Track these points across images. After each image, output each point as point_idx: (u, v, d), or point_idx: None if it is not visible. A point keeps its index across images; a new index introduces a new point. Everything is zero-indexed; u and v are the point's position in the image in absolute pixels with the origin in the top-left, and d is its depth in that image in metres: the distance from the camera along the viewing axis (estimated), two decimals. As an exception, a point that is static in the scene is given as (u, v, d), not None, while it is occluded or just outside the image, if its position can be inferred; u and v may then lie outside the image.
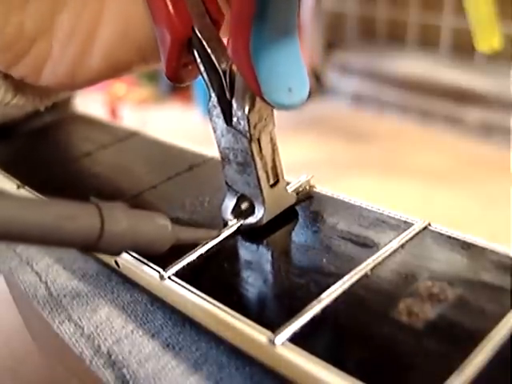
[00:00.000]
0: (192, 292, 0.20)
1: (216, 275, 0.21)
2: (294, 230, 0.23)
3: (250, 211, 0.23)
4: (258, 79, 0.19)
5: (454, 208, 0.68)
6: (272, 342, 0.17)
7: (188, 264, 0.22)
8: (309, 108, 1.09)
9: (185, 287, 0.20)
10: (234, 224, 0.23)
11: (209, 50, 0.22)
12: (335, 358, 0.16)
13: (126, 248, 0.19)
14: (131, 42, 0.23)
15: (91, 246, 0.18)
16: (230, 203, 0.24)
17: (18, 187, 0.30)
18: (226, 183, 0.24)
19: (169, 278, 0.21)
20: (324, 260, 0.21)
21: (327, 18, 1.14)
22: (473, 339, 0.16)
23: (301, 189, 0.26)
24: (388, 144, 0.90)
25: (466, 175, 0.77)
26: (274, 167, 0.23)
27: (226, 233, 0.23)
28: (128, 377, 0.20)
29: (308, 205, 0.25)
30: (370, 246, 0.21)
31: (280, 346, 0.17)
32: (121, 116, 0.94)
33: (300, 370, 0.16)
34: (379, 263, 0.20)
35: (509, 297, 0.18)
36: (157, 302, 0.22)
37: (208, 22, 0.22)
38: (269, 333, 0.17)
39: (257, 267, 0.22)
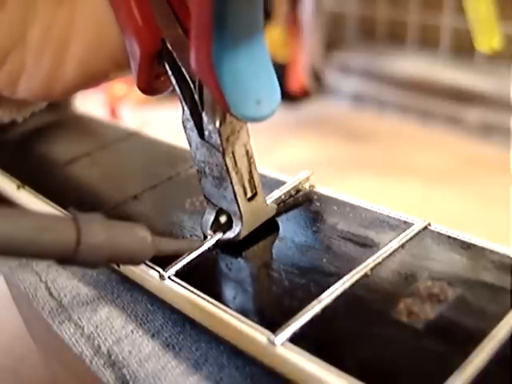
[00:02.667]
0: (192, 292, 0.20)
1: (216, 275, 0.21)
2: (293, 230, 0.23)
3: (229, 225, 0.23)
4: (224, 92, 0.18)
5: (454, 208, 0.68)
6: (272, 342, 0.17)
7: (188, 264, 0.22)
8: (309, 108, 1.09)
9: (185, 287, 0.20)
10: (211, 238, 0.22)
11: (179, 62, 0.21)
12: (335, 358, 0.16)
13: (105, 260, 0.18)
14: (104, 50, 0.23)
15: (68, 259, 0.18)
16: (209, 217, 0.23)
17: (18, 187, 0.30)
18: (205, 197, 0.23)
19: (169, 277, 0.21)
20: (324, 260, 0.21)
21: (327, 17, 1.14)
22: (473, 339, 0.16)
23: (300, 186, 0.26)
24: (388, 144, 0.90)
25: (466, 175, 0.77)
26: (251, 180, 0.22)
27: (202, 248, 0.22)
28: (128, 377, 0.20)
29: (308, 204, 0.25)
30: (370, 246, 0.21)
31: (280, 346, 0.17)
32: (121, 116, 0.94)
33: (300, 369, 0.16)
34: (379, 263, 0.20)
35: (509, 297, 0.18)
36: (157, 302, 0.22)
37: (179, 31, 0.22)
38: (269, 333, 0.17)
39: (257, 267, 0.22)
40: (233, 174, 0.22)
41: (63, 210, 0.27)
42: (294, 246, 0.22)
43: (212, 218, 0.23)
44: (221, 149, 0.21)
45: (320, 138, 0.94)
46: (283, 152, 0.84)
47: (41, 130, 0.39)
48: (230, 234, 0.22)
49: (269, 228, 0.23)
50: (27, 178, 0.31)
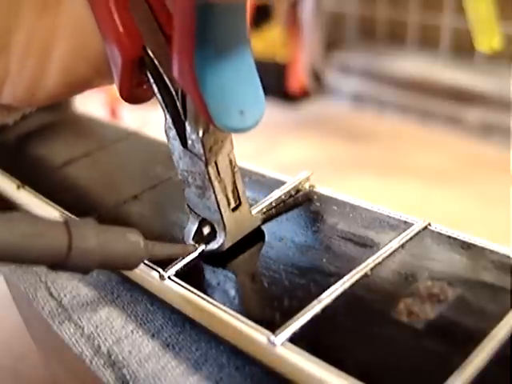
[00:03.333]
0: (192, 292, 0.20)
1: (216, 275, 0.21)
2: (293, 230, 0.23)
3: (213, 236, 0.22)
4: (206, 103, 0.18)
5: (454, 208, 0.68)
6: (272, 342, 0.17)
7: (188, 264, 0.22)
8: (309, 108, 1.09)
9: (185, 287, 0.20)
10: (194, 250, 0.22)
11: (161, 70, 0.21)
12: (335, 358, 0.16)
13: (96, 265, 0.18)
14: (87, 58, 0.23)
15: (59, 264, 0.17)
16: (192, 227, 0.23)
17: (18, 187, 0.30)
18: (188, 206, 0.23)
19: (169, 277, 0.21)
20: (324, 260, 0.21)
21: (327, 17, 1.14)
22: (473, 339, 0.16)
23: (300, 186, 0.26)
24: (388, 144, 0.90)
25: (466, 175, 0.77)
26: (235, 190, 0.22)
27: (186, 260, 0.22)
28: (128, 377, 0.20)
29: (308, 204, 0.25)
30: (370, 246, 0.21)
31: (280, 346, 0.17)
32: (121, 116, 0.94)
33: (300, 370, 0.16)
34: (379, 263, 0.20)
35: (509, 297, 0.18)
36: (157, 302, 0.22)
37: (161, 38, 0.21)
38: (269, 333, 0.17)
39: (257, 266, 0.22)
40: (216, 183, 0.21)
41: (63, 210, 0.27)
42: (293, 246, 0.22)
43: (195, 227, 0.22)
44: (203, 158, 0.21)
45: (320, 138, 0.94)
46: (283, 152, 0.84)
47: (41, 130, 0.39)
48: (213, 245, 0.22)
49: (268, 229, 0.23)
50: (27, 178, 0.31)
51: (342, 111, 1.07)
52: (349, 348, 0.17)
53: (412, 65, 1.01)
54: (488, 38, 0.54)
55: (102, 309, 0.23)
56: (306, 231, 0.23)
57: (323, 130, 0.98)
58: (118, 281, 0.24)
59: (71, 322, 0.23)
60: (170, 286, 0.21)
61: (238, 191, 0.22)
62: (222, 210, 0.21)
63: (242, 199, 0.22)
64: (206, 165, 0.21)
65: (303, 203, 0.25)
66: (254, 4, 1.02)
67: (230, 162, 0.22)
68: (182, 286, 0.21)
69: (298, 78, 1.09)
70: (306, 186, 0.26)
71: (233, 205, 0.22)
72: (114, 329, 0.22)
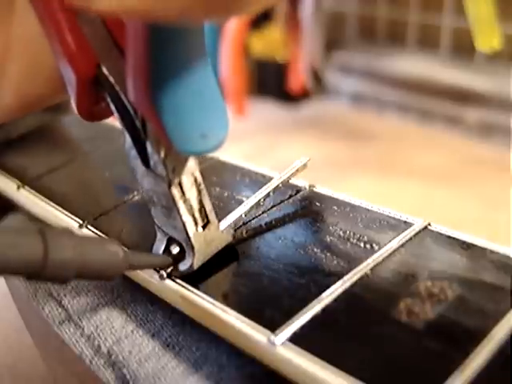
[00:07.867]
0: (192, 292, 0.20)
1: (216, 275, 0.21)
2: (293, 230, 0.23)
3: (182, 255, 0.21)
4: (165, 128, 0.17)
5: (454, 208, 0.68)
6: (272, 342, 0.17)
7: (188, 264, 0.22)
8: (309, 108, 1.09)
9: (185, 287, 0.20)
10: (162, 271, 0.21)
11: (117, 88, 0.20)
12: (335, 358, 0.16)
13: (74, 276, 0.18)
14: (41, 75, 0.23)
15: (35, 275, 0.17)
16: (160, 245, 0.22)
17: (18, 187, 0.30)
18: (156, 224, 0.22)
19: (169, 277, 0.21)
20: (324, 260, 0.21)
21: (327, 17, 1.14)
22: (473, 339, 0.16)
23: (297, 173, 0.26)
24: (388, 144, 0.90)
25: (466, 175, 0.77)
26: (202, 209, 0.21)
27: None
28: (128, 377, 0.20)
29: (308, 204, 0.25)
30: (370, 246, 0.21)
31: (280, 346, 0.17)
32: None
33: (300, 370, 0.16)
34: (379, 263, 0.20)
35: (509, 297, 0.18)
36: (157, 302, 0.22)
37: (116, 54, 0.20)
38: (269, 333, 0.17)
39: (257, 266, 0.22)
40: (180, 204, 0.20)
41: (63, 210, 0.27)
42: (294, 246, 0.22)
43: (163, 246, 0.22)
44: (166, 179, 0.20)
45: (320, 138, 0.94)
46: (283, 152, 0.84)
47: (41, 130, 0.39)
48: (182, 267, 0.21)
49: (272, 227, 0.23)
50: (27, 178, 0.31)
51: (341, 111, 1.07)
52: (349, 348, 0.17)
53: (412, 65, 1.01)
54: (488, 38, 0.54)
55: (101, 309, 0.23)
56: (305, 231, 0.23)
57: (323, 129, 0.98)
58: (118, 281, 0.24)
59: (71, 322, 0.23)
60: (169, 285, 0.21)
61: (205, 209, 0.21)
62: (189, 230, 0.21)
63: (210, 217, 0.21)
64: (170, 186, 0.20)
65: (303, 203, 0.25)
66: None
67: (195, 180, 0.21)
68: (182, 286, 0.21)
69: (298, 77, 1.09)
70: (306, 185, 0.26)
71: (200, 224, 0.21)
72: (113, 329, 0.22)
